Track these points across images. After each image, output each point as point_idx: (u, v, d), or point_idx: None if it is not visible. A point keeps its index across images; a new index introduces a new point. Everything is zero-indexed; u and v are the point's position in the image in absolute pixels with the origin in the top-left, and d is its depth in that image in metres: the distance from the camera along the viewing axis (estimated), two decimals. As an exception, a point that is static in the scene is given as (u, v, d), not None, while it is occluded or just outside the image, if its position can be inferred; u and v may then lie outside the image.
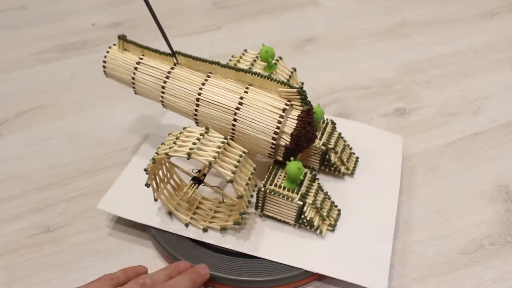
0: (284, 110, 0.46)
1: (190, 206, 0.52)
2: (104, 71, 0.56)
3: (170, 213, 0.51)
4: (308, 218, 0.48)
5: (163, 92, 0.52)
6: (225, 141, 0.46)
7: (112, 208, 0.52)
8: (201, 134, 0.46)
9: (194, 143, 0.45)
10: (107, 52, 0.55)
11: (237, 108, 0.48)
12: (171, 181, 0.52)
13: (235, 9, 0.93)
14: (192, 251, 0.48)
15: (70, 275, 0.49)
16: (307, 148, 0.52)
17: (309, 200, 0.48)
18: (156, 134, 0.62)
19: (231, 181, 0.43)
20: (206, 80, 0.50)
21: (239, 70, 0.48)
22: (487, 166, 0.60)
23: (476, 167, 0.60)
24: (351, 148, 0.57)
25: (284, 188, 0.48)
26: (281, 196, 0.48)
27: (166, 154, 0.45)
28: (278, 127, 0.46)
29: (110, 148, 0.63)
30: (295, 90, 0.46)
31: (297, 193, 0.48)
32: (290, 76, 0.54)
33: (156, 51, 0.53)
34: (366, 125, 0.64)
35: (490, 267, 0.49)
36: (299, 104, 0.47)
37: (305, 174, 0.50)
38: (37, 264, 0.50)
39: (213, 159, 0.43)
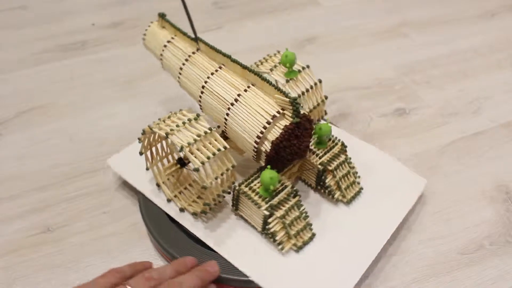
0: (273, 117, 0.45)
1: (179, 185, 0.53)
2: (143, 42, 0.61)
3: (158, 186, 0.53)
4: (271, 230, 0.47)
5: (180, 73, 0.54)
6: (209, 131, 0.46)
7: (117, 167, 0.56)
8: (189, 119, 0.47)
9: (177, 125, 0.46)
10: (149, 26, 0.60)
11: (232, 104, 0.48)
12: (169, 157, 0.54)
13: (235, 9, 0.93)
14: (192, 251, 0.48)
15: (70, 275, 0.49)
16: (303, 162, 0.51)
17: (278, 213, 0.47)
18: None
19: (196, 170, 0.44)
20: (216, 70, 0.51)
21: (245, 67, 0.49)
22: (487, 166, 0.60)
23: (476, 167, 0.60)
24: (358, 177, 0.54)
25: (256, 194, 0.47)
26: (250, 200, 0.47)
27: (149, 127, 0.46)
28: (262, 132, 0.45)
29: (110, 148, 0.63)
30: (288, 99, 0.45)
31: (266, 202, 0.47)
32: (311, 87, 0.53)
33: (185, 34, 0.55)
34: (393, 159, 0.58)
35: (490, 267, 0.49)
36: (291, 114, 0.45)
37: (285, 187, 0.48)
38: (37, 264, 0.50)
39: (186, 144, 0.44)
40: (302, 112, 0.45)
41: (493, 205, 0.55)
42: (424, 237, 0.52)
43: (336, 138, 0.53)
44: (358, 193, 0.53)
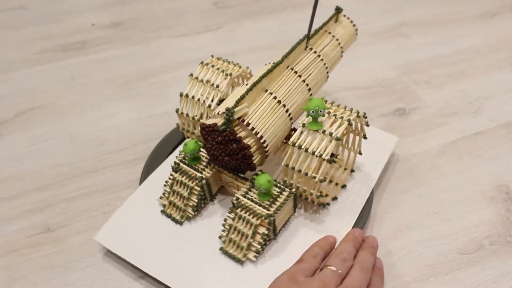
0: (223, 113, 0.46)
1: None
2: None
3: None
4: (165, 188, 0.53)
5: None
6: (215, 87, 0.54)
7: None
8: (227, 74, 0.55)
9: (218, 68, 0.55)
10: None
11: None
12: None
13: (235, 9, 0.93)
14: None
15: (70, 275, 0.49)
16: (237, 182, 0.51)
17: (177, 176, 0.51)
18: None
19: (181, 95, 0.55)
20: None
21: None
22: (487, 166, 0.60)
23: (476, 167, 0.60)
24: (251, 252, 0.48)
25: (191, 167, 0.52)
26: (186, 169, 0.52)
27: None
28: (213, 114, 0.49)
29: (110, 148, 0.63)
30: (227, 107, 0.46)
31: (178, 164, 0.52)
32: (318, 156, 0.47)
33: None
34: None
35: (490, 267, 0.49)
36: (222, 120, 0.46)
37: (199, 173, 0.51)
38: (37, 264, 0.50)
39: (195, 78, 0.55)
40: (238, 131, 0.46)
41: (493, 205, 0.55)
42: (424, 237, 0.52)
43: (280, 205, 0.47)
44: (236, 259, 0.48)
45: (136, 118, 0.68)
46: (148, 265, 0.47)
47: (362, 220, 0.51)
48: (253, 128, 0.47)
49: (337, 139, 0.46)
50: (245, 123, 0.46)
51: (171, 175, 0.52)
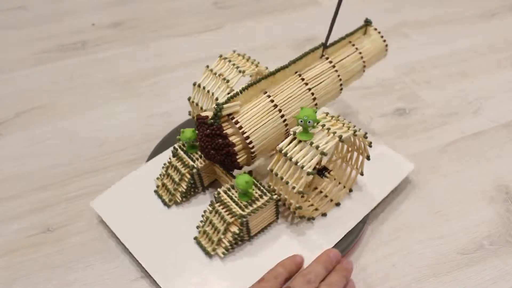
0: (214, 108, 0.47)
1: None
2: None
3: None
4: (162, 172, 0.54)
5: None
6: (225, 81, 0.52)
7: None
8: (241, 71, 0.53)
9: (233, 64, 0.53)
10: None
11: None
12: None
13: (235, 9, 0.93)
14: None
15: (70, 275, 0.49)
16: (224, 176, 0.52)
17: (173, 161, 0.53)
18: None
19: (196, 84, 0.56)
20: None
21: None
22: (487, 166, 0.60)
23: (476, 167, 0.60)
24: (221, 248, 0.48)
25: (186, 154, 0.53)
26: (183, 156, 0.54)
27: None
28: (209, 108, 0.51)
29: (110, 148, 0.63)
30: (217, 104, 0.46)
31: (175, 149, 0.53)
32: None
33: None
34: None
35: (490, 267, 0.49)
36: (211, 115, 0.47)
37: (192, 163, 0.52)
38: (37, 264, 0.50)
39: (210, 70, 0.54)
40: (225, 127, 0.47)
41: (493, 205, 0.55)
42: (424, 237, 0.52)
43: (256, 208, 0.47)
44: (206, 251, 0.48)
45: (136, 118, 0.68)
46: (129, 240, 0.50)
47: (348, 241, 0.49)
48: (241, 127, 0.47)
49: (323, 153, 0.44)
50: (234, 120, 0.47)
51: (169, 158, 0.54)
